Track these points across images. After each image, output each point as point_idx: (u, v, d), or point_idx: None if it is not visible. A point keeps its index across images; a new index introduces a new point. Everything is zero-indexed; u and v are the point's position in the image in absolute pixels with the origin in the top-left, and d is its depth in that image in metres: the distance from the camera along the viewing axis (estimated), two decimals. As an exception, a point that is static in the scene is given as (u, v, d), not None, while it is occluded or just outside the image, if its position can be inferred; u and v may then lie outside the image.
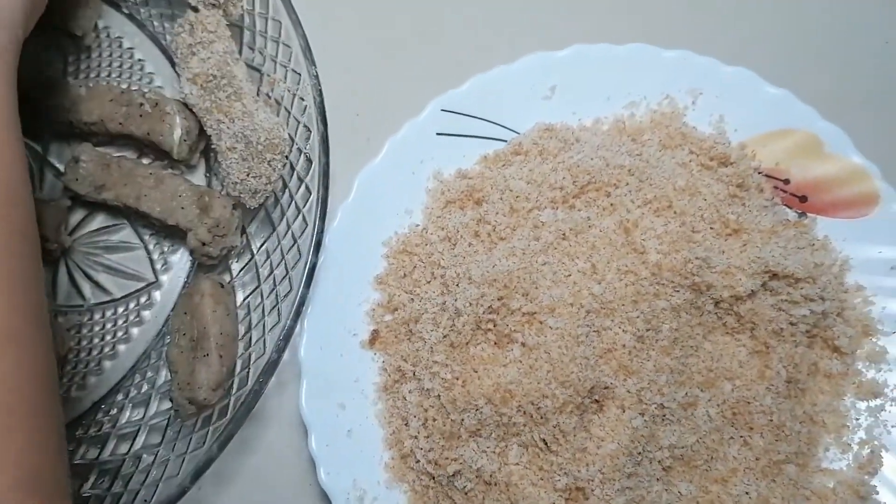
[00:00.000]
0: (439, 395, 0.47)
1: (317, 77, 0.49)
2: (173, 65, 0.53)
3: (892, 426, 0.48)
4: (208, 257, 0.50)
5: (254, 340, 0.48)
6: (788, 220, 0.51)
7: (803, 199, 0.52)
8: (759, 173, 0.52)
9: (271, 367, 0.45)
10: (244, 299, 0.50)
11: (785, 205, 0.52)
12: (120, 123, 0.51)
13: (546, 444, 0.46)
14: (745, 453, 0.47)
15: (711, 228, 0.48)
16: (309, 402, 0.49)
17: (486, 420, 0.45)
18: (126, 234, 0.53)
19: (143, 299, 0.52)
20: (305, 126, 0.49)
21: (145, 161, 0.53)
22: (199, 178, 0.54)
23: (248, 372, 0.47)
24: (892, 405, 0.48)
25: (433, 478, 0.47)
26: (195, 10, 0.50)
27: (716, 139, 0.52)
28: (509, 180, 0.51)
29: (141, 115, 0.50)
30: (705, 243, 0.47)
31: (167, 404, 0.49)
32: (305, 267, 0.46)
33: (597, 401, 0.46)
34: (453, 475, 0.46)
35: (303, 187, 0.48)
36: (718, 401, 0.47)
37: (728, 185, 0.50)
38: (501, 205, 0.50)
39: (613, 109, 0.54)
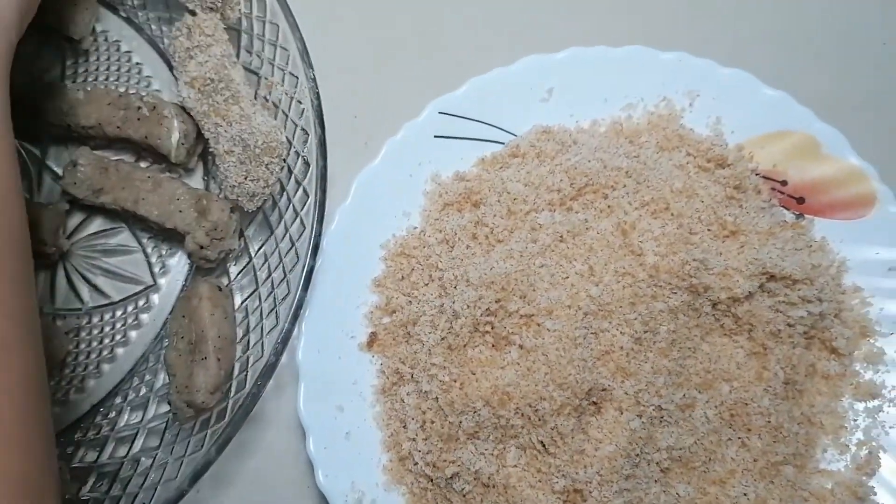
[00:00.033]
0: (437, 398, 0.47)
1: (314, 80, 0.49)
2: (171, 68, 0.53)
3: (890, 427, 0.48)
4: (206, 260, 0.50)
5: (252, 343, 0.48)
6: (786, 222, 0.51)
7: (801, 200, 0.52)
8: (757, 175, 0.52)
9: (269, 369, 0.45)
10: (242, 302, 0.50)
11: (782, 206, 0.52)
12: (118, 127, 0.51)
13: (544, 446, 0.46)
14: (743, 455, 0.47)
15: (709, 230, 0.48)
16: (307, 405, 0.49)
17: (484, 422, 0.45)
18: (124, 237, 0.53)
19: (141, 303, 0.52)
20: (303, 129, 0.49)
21: (143, 164, 0.53)
22: (196, 181, 0.54)
23: (246, 375, 0.47)
24: (889, 406, 0.48)
25: (431, 480, 0.47)
26: (193, 13, 0.50)
27: (713, 141, 0.52)
28: (507, 183, 0.51)
29: (139, 119, 0.50)
30: (703, 245, 0.47)
31: (165, 407, 0.49)
32: (303, 270, 0.46)
33: (594, 403, 0.46)
34: (451, 477, 0.46)
35: (300, 190, 0.48)
36: (716, 402, 0.47)
37: (725, 187, 0.50)
38: (499, 207, 0.50)
39: (611, 111, 0.54)
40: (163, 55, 0.55)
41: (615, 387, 0.45)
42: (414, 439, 0.48)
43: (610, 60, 0.54)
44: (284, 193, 0.50)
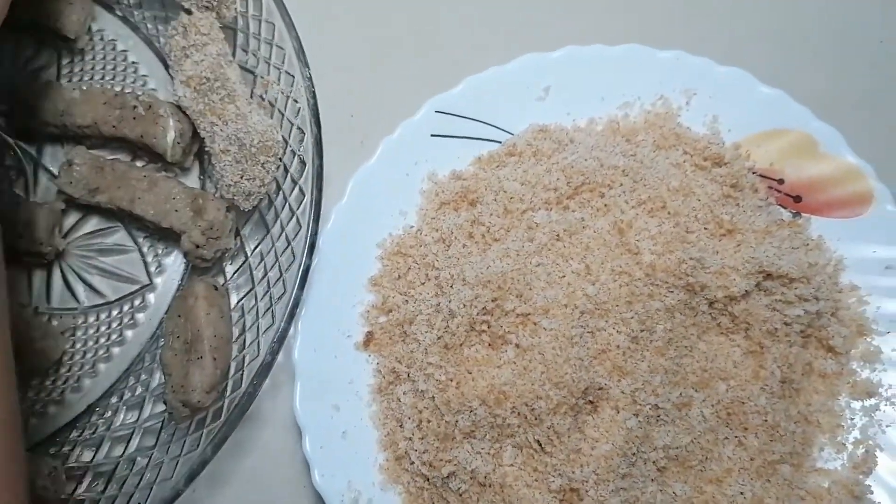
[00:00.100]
0: (433, 397, 0.47)
1: (310, 79, 0.49)
2: (167, 67, 0.53)
3: (887, 426, 0.48)
4: (202, 260, 0.50)
5: (248, 343, 0.48)
6: (783, 220, 0.51)
7: (797, 198, 0.52)
8: (754, 173, 0.52)
9: (265, 369, 0.45)
10: (238, 301, 0.50)
11: (779, 205, 0.52)
12: (113, 126, 0.51)
13: (540, 445, 0.46)
14: (740, 453, 0.47)
15: (705, 229, 0.48)
16: (303, 404, 0.49)
17: (481, 421, 0.45)
18: (120, 236, 0.53)
19: (137, 302, 0.52)
20: (299, 128, 0.49)
21: (139, 164, 0.53)
22: (192, 180, 0.53)
23: (242, 374, 0.47)
24: (886, 405, 0.48)
25: (428, 479, 0.47)
26: (188, 12, 0.50)
27: (710, 139, 0.52)
28: (503, 181, 0.51)
29: (134, 118, 0.50)
30: (699, 244, 0.47)
31: (161, 407, 0.49)
32: (299, 269, 0.46)
33: (591, 402, 0.46)
34: (448, 477, 0.46)
35: (296, 189, 0.48)
36: (713, 401, 0.47)
37: (722, 186, 0.50)
38: (495, 206, 0.50)
39: (607, 110, 0.54)
40: (159, 54, 0.55)
41: (612, 386, 0.45)
42: (410, 438, 0.48)
43: (606, 59, 0.54)
44: (280, 192, 0.50)
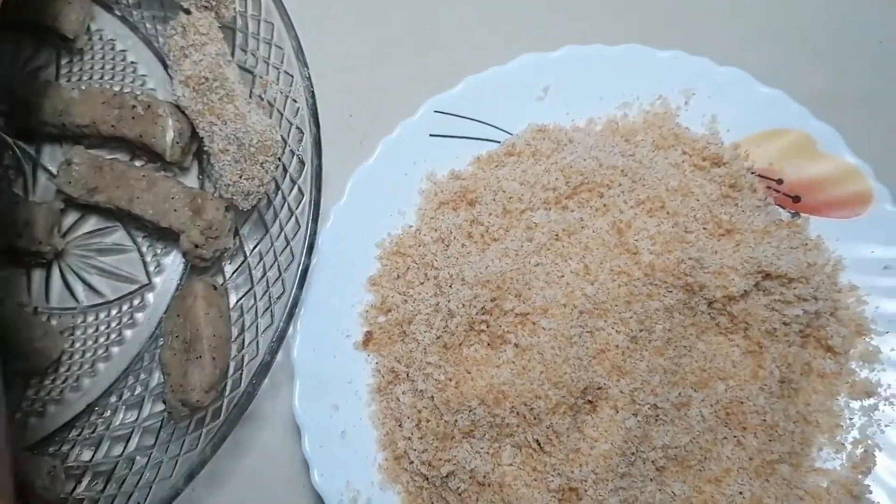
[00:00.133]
0: (433, 397, 0.47)
1: (309, 79, 0.49)
2: (166, 67, 0.53)
3: (886, 425, 0.48)
4: (201, 259, 0.50)
5: (247, 342, 0.48)
6: (781, 220, 0.51)
7: (796, 198, 0.52)
8: (752, 173, 0.52)
9: (264, 368, 0.45)
10: (237, 301, 0.50)
11: (778, 205, 0.52)
12: (112, 126, 0.51)
13: (539, 444, 0.46)
14: (739, 453, 0.47)
15: (704, 229, 0.48)
16: (302, 404, 0.49)
17: (480, 421, 0.45)
18: (119, 236, 0.53)
19: (136, 301, 0.52)
20: (298, 128, 0.49)
21: (138, 163, 0.53)
22: (191, 180, 0.54)
23: (241, 374, 0.47)
24: (885, 404, 0.48)
25: (427, 479, 0.47)
26: (187, 12, 0.50)
27: (708, 139, 0.52)
28: (502, 181, 0.51)
29: (133, 118, 0.50)
30: (698, 244, 0.47)
31: (160, 406, 0.49)
32: (298, 268, 0.46)
33: (590, 401, 0.46)
34: (447, 476, 0.46)
35: (295, 189, 0.48)
36: (712, 401, 0.47)
37: (721, 186, 0.50)
38: (494, 206, 0.50)
39: (606, 110, 0.54)
40: (157, 54, 0.55)
41: (610, 385, 0.45)
42: (409, 438, 0.48)
43: (606, 59, 0.54)
44: (279, 192, 0.50)
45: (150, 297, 0.52)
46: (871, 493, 0.47)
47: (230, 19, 0.51)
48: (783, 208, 0.52)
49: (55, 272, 0.52)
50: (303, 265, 0.46)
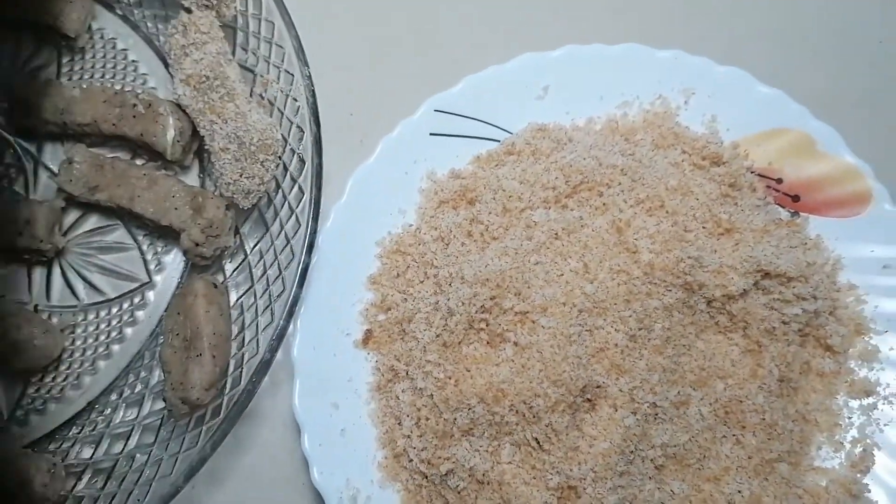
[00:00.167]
0: (432, 395, 0.47)
1: (310, 78, 0.49)
2: (167, 66, 0.53)
3: (885, 424, 0.48)
4: (202, 258, 0.50)
5: (247, 340, 0.48)
6: (781, 220, 0.51)
7: (796, 198, 0.52)
8: (752, 173, 0.52)
9: (264, 366, 0.45)
10: (237, 299, 0.50)
11: (777, 204, 0.52)
12: (113, 124, 0.51)
13: (538, 442, 0.46)
14: (738, 452, 0.47)
15: (704, 228, 0.48)
16: (302, 402, 0.49)
17: (479, 419, 0.45)
18: (120, 234, 0.53)
19: (136, 299, 0.52)
20: (298, 127, 0.49)
21: (139, 162, 0.53)
22: (192, 178, 0.54)
23: (241, 372, 0.47)
24: (884, 403, 0.48)
25: (426, 477, 0.47)
26: (188, 11, 0.50)
27: (708, 139, 0.52)
28: (502, 180, 0.51)
29: (134, 117, 0.50)
30: (697, 242, 0.47)
31: (160, 404, 0.49)
32: (298, 267, 0.47)
33: (589, 400, 0.46)
34: (446, 474, 0.46)
35: (296, 188, 0.49)
36: (711, 399, 0.47)
37: (720, 185, 0.50)
38: (494, 205, 0.50)
39: (606, 109, 0.54)
40: (158, 53, 0.55)
41: (610, 384, 0.45)
42: (409, 436, 0.48)
43: (605, 58, 0.54)
44: (280, 191, 0.50)
45: (150, 295, 0.52)
46: (869, 491, 0.47)
47: (231, 18, 0.51)
48: (783, 207, 0.52)
49: (56, 270, 0.52)
50: (303, 263, 0.47)
